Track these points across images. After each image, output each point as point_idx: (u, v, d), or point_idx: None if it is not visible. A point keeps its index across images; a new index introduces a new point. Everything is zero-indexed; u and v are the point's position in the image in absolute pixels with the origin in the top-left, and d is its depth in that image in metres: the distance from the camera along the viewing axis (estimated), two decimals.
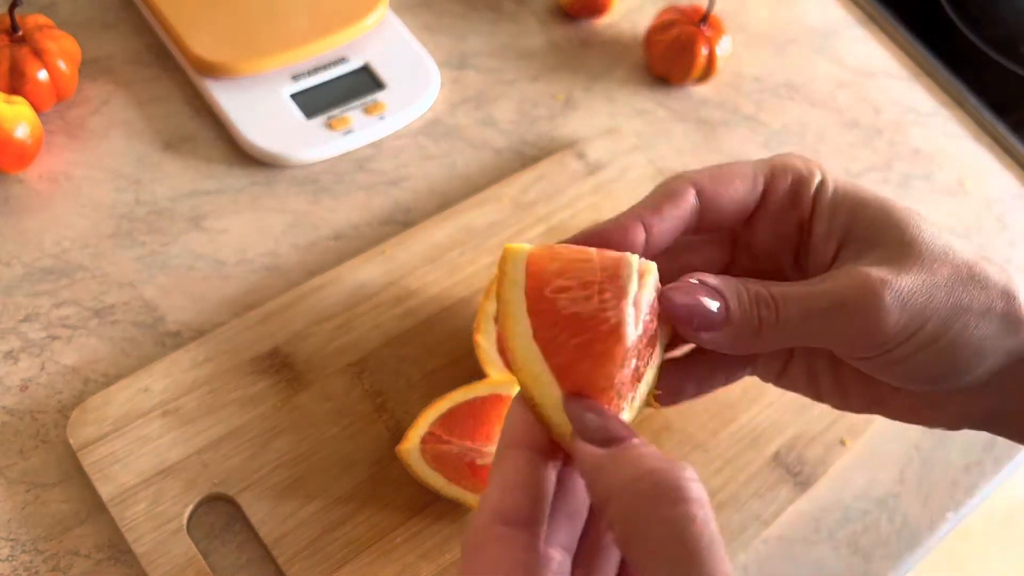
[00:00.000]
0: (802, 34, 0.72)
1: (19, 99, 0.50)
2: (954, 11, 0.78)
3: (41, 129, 0.51)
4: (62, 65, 0.52)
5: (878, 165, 0.66)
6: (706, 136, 0.64)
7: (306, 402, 0.47)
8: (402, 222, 0.55)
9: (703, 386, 0.37)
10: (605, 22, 0.68)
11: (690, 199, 0.34)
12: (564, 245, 0.33)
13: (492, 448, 0.43)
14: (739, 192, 0.34)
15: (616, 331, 0.29)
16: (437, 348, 0.50)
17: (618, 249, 0.32)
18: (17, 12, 0.51)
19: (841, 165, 0.65)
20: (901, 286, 0.31)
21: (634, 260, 0.31)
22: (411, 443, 0.44)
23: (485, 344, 0.47)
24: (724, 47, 0.64)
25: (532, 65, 0.64)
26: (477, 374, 0.48)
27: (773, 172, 0.35)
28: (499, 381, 0.46)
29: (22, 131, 0.49)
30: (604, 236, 0.33)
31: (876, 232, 0.33)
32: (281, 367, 0.47)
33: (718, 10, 0.66)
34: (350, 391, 0.47)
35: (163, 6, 0.56)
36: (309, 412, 0.46)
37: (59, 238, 0.50)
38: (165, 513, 0.42)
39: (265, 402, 0.46)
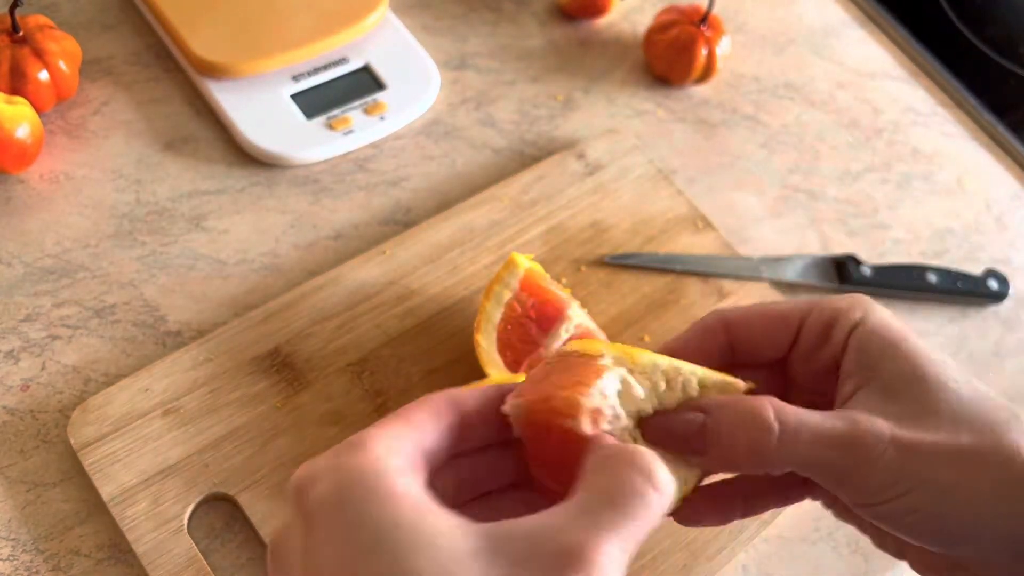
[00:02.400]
0: (801, 34, 0.72)
1: (20, 99, 0.50)
2: (953, 11, 0.78)
3: (42, 129, 0.51)
4: (63, 65, 0.52)
5: (877, 165, 0.66)
6: (706, 136, 0.64)
7: (306, 402, 0.47)
8: (402, 222, 0.55)
9: (753, 507, 0.36)
10: (605, 23, 0.68)
11: (719, 335, 0.35)
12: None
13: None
14: (769, 329, 0.34)
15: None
16: (437, 348, 0.50)
17: None
18: (18, 12, 0.51)
19: (841, 165, 0.65)
20: (899, 441, 0.30)
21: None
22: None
23: (485, 344, 0.47)
24: (724, 47, 0.64)
25: (532, 66, 0.64)
26: (477, 374, 0.48)
27: (812, 309, 0.34)
28: (499, 381, 0.46)
29: (23, 131, 0.49)
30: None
31: (897, 382, 0.32)
32: (281, 367, 0.47)
33: (718, 10, 0.66)
34: (350, 391, 0.47)
35: (164, 7, 0.56)
36: (309, 412, 0.46)
37: (60, 238, 0.51)
38: (166, 513, 0.42)
39: (265, 402, 0.46)
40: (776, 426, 0.30)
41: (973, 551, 0.31)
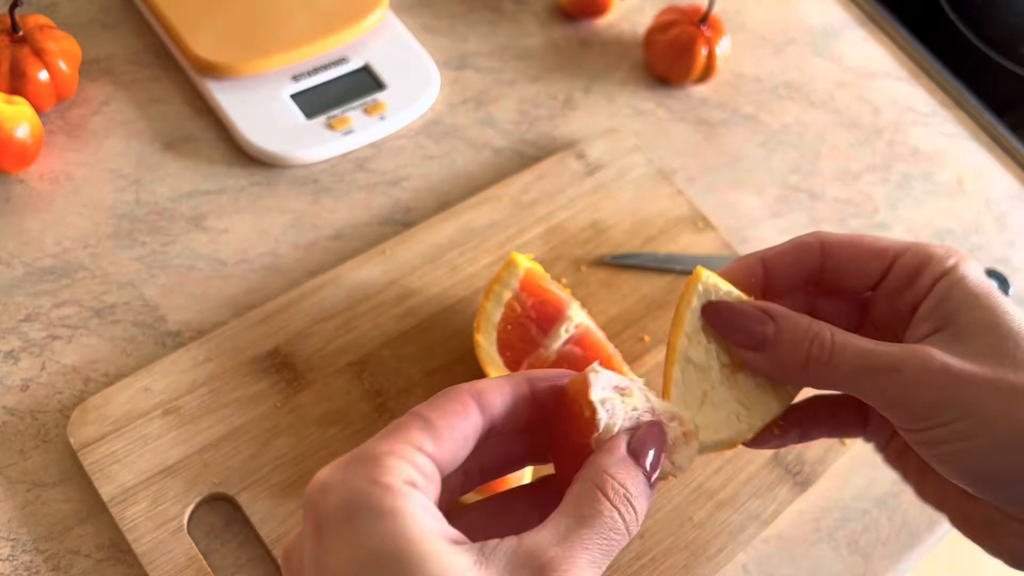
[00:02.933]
0: (801, 34, 0.72)
1: (20, 99, 0.50)
2: (953, 11, 0.78)
3: (41, 129, 0.51)
4: (62, 65, 0.52)
5: (877, 165, 0.66)
6: (706, 136, 0.64)
7: (306, 402, 0.47)
8: (402, 222, 0.55)
9: (807, 433, 0.37)
10: (605, 22, 0.68)
11: (815, 253, 0.35)
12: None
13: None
14: (863, 259, 0.35)
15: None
16: (437, 348, 0.50)
17: (737, 283, 0.35)
18: (18, 12, 0.51)
19: (841, 165, 0.65)
20: (949, 370, 0.31)
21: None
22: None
23: (485, 344, 0.47)
24: (724, 47, 0.64)
25: (532, 65, 0.64)
26: (477, 374, 0.48)
27: (907, 250, 0.35)
28: None
29: (23, 131, 0.49)
30: (725, 270, 0.36)
31: (969, 329, 0.32)
32: (281, 367, 0.47)
33: (718, 10, 0.66)
34: (350, 391, 0.47)
35: (163, 7, 0.56)
36: (309, 412, 0.46)
37: (60, 238, 0.51)
38: (165, 513, 0.42)
39: (265, 402, 0.46)
40: (831, 341, 0.32)
41: (1015, 495, 0.31)
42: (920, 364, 0.31)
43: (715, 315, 0.34)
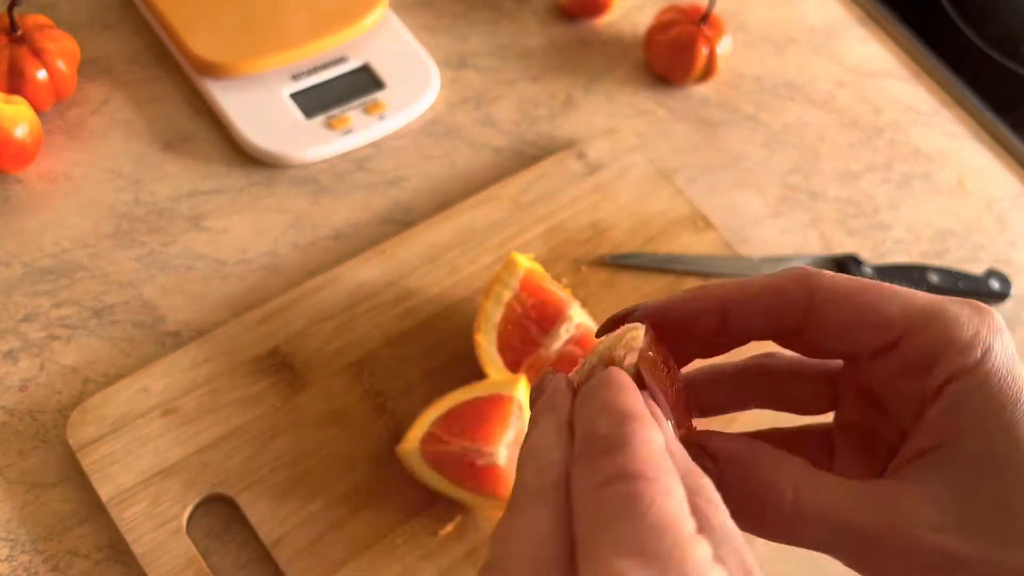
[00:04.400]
0: (802, 34, 0.72)
1: (18, 99, 0.50)
2: (954, 10, 0.78)
3: (40, 129, 0.51)
4: (61, 65, 0.52)
5: (878, 165, 0.66)
6: (706, 136, 0.64)
7: (306, 402, 0.47)
8: (402, 222, 0.55)
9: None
10: (605, 22, 0.68)
11: (797, 306, 0.27)
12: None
13: (492, 448, 0.43)
14: (860, 328, 0.27)
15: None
16: (437, 348, 0.50)
17: (675, 328, 0.27)
18: (16, 12, 0.51)
19: (841, 165, 0.65)
20: (949, 553, 0.24)
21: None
22: (411, 444, 0.44)
23: (485, 344, 0.47)
24: (724, 47, 0.64)
25: (532, 65, 0.64)
26: (477, 374, 0.48)
27: (922, 327, 0.26)
28: (499, 381, 0.46)
29: (21, 131, 0.49)
30: (670, 312, 0.28)
31: (983, 460, 0.25)
32: (281, 367, 0.47)
33: (718, 10, 0.66)
34: (350, 391, 0.47)
35: (163, 6, 0.56)
36: (309, 412, 0.46)
37: (59, 238, 0.50)
38: (164, 513, 0.42)
39: (265, 402, 0.46)
40: (792, 502, 0.25)
41: None
42: (906, 546, 0.24)
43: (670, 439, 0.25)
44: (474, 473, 0.43)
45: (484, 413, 0.44)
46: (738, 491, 0.26)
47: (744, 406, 0.31)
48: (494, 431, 0.44)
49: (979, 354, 0.25)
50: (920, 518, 0.24)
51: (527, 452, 0.24)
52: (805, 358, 0.30)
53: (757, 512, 0.26)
